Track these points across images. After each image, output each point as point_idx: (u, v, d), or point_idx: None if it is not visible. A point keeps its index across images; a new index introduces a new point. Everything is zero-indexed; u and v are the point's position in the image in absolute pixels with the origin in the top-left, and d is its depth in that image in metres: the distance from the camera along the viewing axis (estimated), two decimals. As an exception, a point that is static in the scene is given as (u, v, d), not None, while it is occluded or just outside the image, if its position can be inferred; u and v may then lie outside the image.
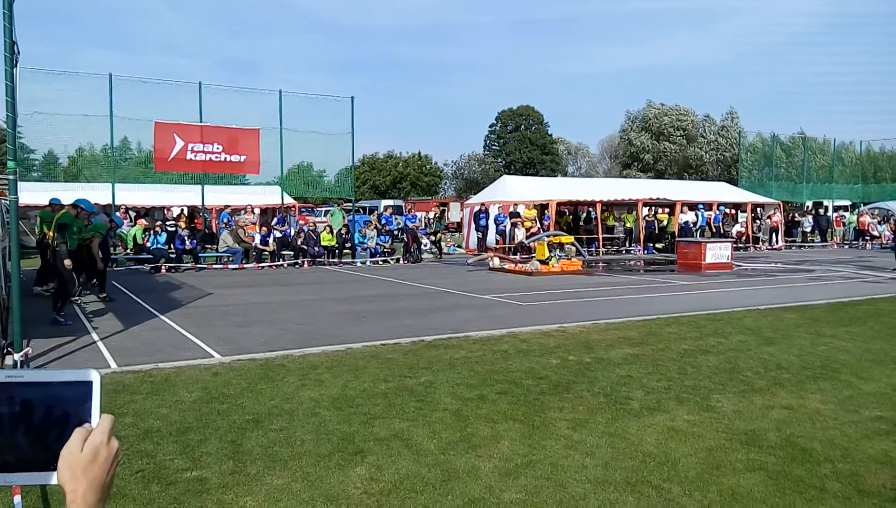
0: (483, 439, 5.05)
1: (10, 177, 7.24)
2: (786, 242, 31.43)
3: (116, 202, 19.58)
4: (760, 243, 30.82)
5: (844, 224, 35.65)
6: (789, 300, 12.55)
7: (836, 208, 37.86)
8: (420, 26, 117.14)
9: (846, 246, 32.69)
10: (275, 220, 22.15)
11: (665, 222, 28.22)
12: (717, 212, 29.49)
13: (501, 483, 4.27)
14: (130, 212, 23.27)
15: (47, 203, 14.46)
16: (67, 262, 10.24)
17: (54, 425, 0.94)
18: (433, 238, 25.92)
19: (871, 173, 38.14)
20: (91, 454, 0.92)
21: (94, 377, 0.97)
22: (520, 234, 23.89)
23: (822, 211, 35.31)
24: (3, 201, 11.76)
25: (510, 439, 5.05)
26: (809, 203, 37.07)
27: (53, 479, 0.93)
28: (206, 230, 21.89)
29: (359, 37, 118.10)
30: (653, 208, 28.16)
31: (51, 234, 10.77)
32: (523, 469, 4.49)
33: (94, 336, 9.12)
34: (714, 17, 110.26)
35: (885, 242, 31.31)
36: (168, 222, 20.61)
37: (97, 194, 19.08)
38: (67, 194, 24.61)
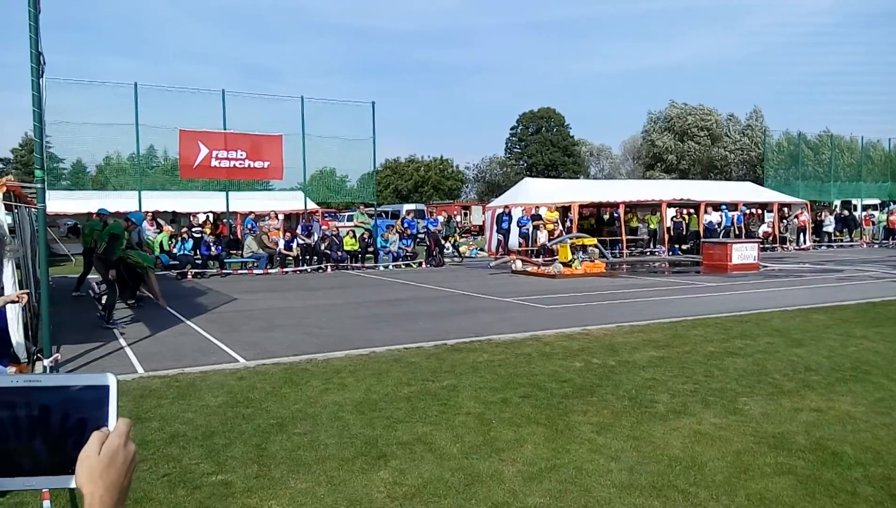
0: (506, 443, 5.03)
1: (38, 186, 7.38)
2: (814, 242, 30.94)
3: (144, 209, 19.83)
4: (788, 243, 30.37)
5: (874, 223, 35.00)
6: (818, 301, 12.34)
7: (864, 207, 37.17)
8: (438, 29, 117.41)
9: (876, 245, 32.08)
10: (299, 228, 22.13)
11: (688, 222, 27.93)
12: (739, 212, 29.08)
13: (525, 487, 4.24)
14: (158, 219, 23.58)
15: (95, 213, 14.69)
16: (112, 272, 10.53)
17: (72, 429, 0.95)
18: (450, 242, 25.91)
19: (900, 171, 37.39)
20: (108, 457, 0.93)
21: (111, 381, 0.98)
22: (542, 236, 23.80)
23: (847, 211, 34.70)
24: (31, 210, 11.98)
25: (534, 443, 5.02)
26: (837, 202, 36.45)
27: (72, 483, 0.94)
28: (231, 236, 22.11)
29: (377, 40, 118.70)
30: (680, 208, 27.88)
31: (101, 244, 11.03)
32: (547, 473, 4.46)
33: (122, 342, 9.25)
34: (735, 13, 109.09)
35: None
36: (194, 229, 20.85)
37: (125, 201, 19.36)
38: (95, 202, 25.01)
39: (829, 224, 32.45)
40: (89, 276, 14.43)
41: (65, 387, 0.96)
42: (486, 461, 4.67)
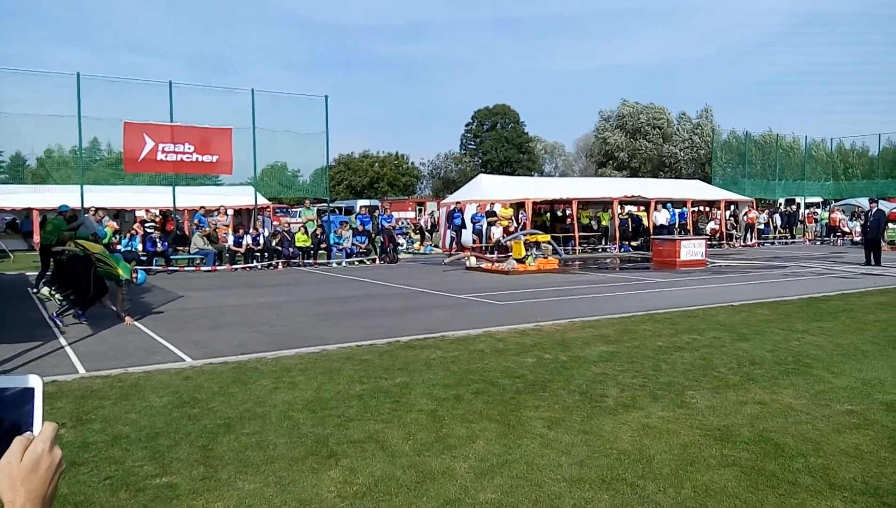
0: (458, 439, 5.02)
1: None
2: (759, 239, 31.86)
3: (86, 205, 19.24)
4: (734, 239, 31.20)
5: (816, 221, 36.23)
6: (762, 296, 12.69)
7: (808, 205, 38.45)
8: (395, 24, 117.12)
9: (818, 242, 33.20)
10: (248, 237, 21.19)
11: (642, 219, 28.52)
12: (682, 209, 29.69)
13: (477, 483, 4.23)
14: (100, 214, 22.89)
15: (58, 211, 14.05)
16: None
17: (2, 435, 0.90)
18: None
19: (841, 170, 38.76)
20: (31, 463, 0.88)
21: (36, 383, 0.93)
22: (497, 233, 23.92)
23: (791, 208, 35.83)
24: None
25: (486, 439, 5.02)
26: (782, 200, 37.61)
27: None
28: (178, 232, 21.58)
29: (334, 34, 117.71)
30: (634, 205, 28.42)
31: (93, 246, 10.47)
32: (499, 468, 4.46)
33: (62, 341, 8.93)
34: (687, 14, 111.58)
35: (855, 238, 31.87)
36: (147, 224, 20.28)
37: (66, 196, 18.74)
38: (36, 196, 24.22)
39: (762, 222, 33.20)
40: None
41: None
42: (438, 458, 4.65)
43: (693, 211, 30.25)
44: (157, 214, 22.32)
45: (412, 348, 8.24)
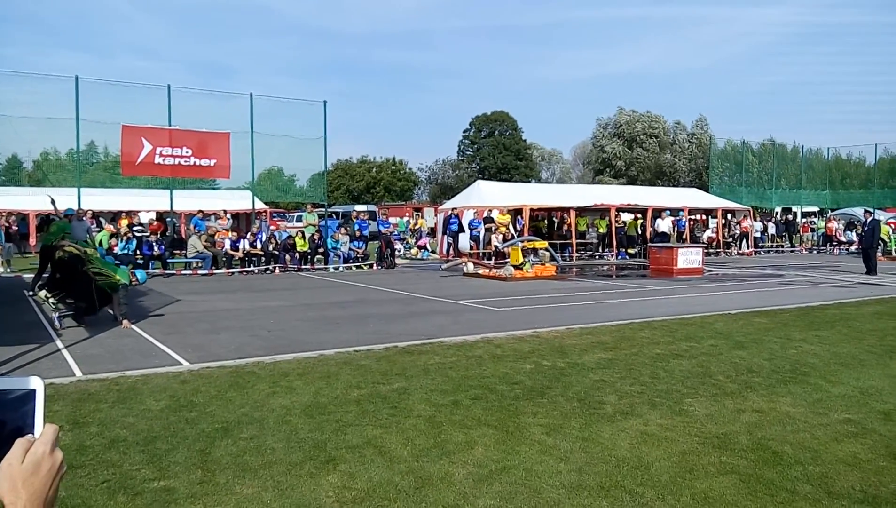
0: (457, 445, 5.01)
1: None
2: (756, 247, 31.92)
3: (83, 208, 19.18)
4: (731, 248, 31.27)
5: (813, 230, 36.30)
6: (760, 305, 12.71)
7: (805, 214, 38.52)
8: (395, 31, 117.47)
9: (814, 251, 33.28)
10: (245, 242, 21.16)
11: (639, 228, 28.53)
12: (678, 218, 29.70)
13: (475, 489, 4.23)
14: (100, 218, 22.83)
15: (64, 215, 13.93)
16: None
17: (5, 437, 0.89)
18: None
19: (838, 180, 38.87)
20: (32, 465, 0.88)
21: (38, 385, 0.92)
22: (497, 239, 23.93)
23: (788, 217, 35.93)
24: None
25: (484, 445, 5.01)
26: (778, 209, 37.67)
27: None
28: (175, 236, 21.52)
29: (333, 41, 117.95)
30: (631, 213, 28.46)
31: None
32: (497, 475, 4.45)
33: (59, 344, 8.90)
34: (684, 25, 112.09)
35: (852, 247, 31.97)
36: (135, 227, 20.22)
37: (63, 199, 18.69)
38: (32, 199, 24.17)
39: (758, 230, 33.16)
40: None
41: None
42: (437, 463, 4.64)
43: (690, 219, 30.27)
44: (145, 220, 22.26)
45: (410, 353, 8.24)
